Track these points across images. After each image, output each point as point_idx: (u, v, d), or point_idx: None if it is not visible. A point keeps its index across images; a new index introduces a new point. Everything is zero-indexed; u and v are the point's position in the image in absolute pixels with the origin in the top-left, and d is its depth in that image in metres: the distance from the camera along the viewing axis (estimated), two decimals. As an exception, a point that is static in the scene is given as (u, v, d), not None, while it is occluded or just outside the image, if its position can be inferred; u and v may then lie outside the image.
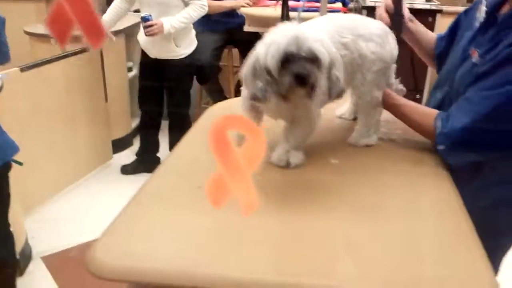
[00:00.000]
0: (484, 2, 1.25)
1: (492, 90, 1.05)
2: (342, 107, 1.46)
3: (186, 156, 1.21)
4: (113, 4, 2.98)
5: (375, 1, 3.13)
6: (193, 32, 3.07)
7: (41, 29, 3.19)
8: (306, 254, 0.84)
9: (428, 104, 1.38)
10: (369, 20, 1.25)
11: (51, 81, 2.86)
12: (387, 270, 0.80)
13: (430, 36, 1.46)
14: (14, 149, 1.74)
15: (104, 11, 3.00)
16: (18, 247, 2.24)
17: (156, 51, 2.97)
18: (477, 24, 1.24)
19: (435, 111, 1.19)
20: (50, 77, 2.84)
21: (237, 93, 2.37)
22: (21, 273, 2.35)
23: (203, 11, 2.90)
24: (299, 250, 0.85)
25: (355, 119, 1.41)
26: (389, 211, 0.97)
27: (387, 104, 1.27)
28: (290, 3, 2.62)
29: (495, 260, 1.33)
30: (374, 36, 1.19)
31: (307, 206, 0.99)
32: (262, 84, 1.01)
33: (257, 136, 0.50)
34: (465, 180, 1.16)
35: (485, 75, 1.08)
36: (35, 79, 2.71)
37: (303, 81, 0.99)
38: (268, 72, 1.01)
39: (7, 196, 1.79)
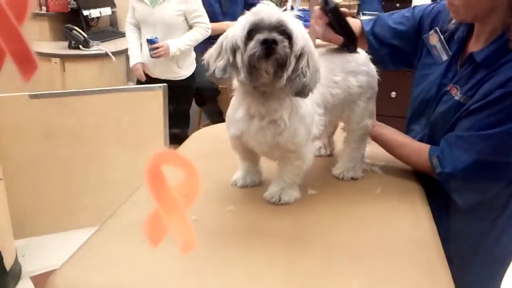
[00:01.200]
0: (437, 30, 1.24)
1: (490, 129, 1.05)
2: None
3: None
4: (131, 36, 3.00)
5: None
6: (193, 54, 3.10)
7: (44, 48, 3.22)
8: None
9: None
10: None
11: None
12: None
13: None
14: None
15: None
16: (7, 266, 2.20)
17: (158, 72, 2.99)
18: (440, 56, 1.23)
19: (426, 147, 1.18)
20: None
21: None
22: (9, 292, 2.31)
23: (207, 33, 2.92)
24: (261, 282, 0.83)
25: (330, 154, 1.39)
26: (356, 249, 0.94)
27: (384, 147, 1.29)
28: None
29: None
30: (362, 66, 1.18)
31: (273, 236, 0.96)
32: (223, 63, 0.94)
33: (192, 173, 0.48)
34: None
35: (476, 114, 1.08)
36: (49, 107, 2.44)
37: (270, 51, 0.88)
38: (235, 47, 0.93)
39: None
